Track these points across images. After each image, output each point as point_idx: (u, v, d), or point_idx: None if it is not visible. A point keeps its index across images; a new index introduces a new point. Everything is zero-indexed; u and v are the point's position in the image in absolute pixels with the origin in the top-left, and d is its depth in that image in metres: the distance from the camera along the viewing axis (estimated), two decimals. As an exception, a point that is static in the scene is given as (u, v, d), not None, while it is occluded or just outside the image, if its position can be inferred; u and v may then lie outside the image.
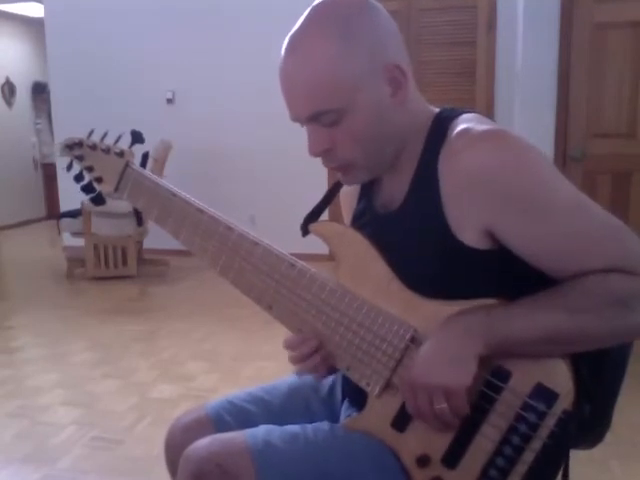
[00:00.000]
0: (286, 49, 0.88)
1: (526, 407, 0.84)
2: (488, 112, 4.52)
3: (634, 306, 0.81)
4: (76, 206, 4.66)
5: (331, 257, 0.97)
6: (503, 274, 0.88)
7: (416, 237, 0.91)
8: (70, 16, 5.63)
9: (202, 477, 0.91)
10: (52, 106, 5.94)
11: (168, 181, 1.12)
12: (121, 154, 1.14)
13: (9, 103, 7.88)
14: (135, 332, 3.61)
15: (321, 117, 0.88)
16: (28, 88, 8.18)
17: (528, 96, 3.68)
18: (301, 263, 0.98)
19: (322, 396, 1.14)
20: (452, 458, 0.88)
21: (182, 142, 5.19)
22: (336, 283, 0.95)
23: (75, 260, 4.99)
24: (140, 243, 5.05)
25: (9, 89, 7.85)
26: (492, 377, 0.85)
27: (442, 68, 4.73)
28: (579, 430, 0.86)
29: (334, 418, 1.08)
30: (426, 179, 0.90)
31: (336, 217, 1.04)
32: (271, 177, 5.35)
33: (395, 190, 0.96)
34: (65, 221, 4.90)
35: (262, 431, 0.97)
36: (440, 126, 0.91)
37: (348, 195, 1.11)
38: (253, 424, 1.01)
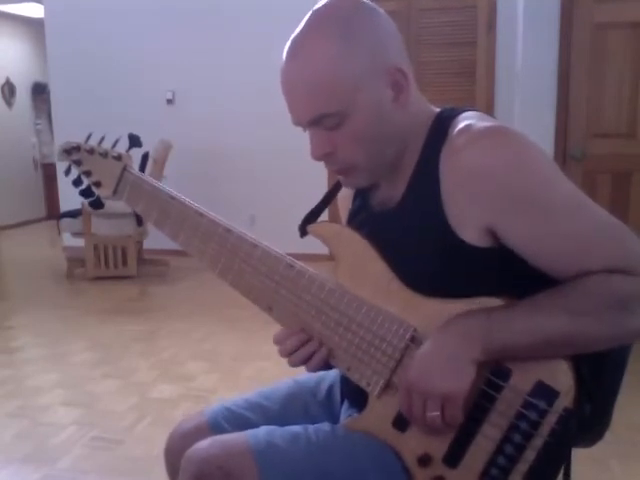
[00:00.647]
0: (287, 53, 0.88)
1: (527, 405, 0.84)
2: (488, 112, 4.47)
3: (634, 308, 0.81)
4: (76, 206, 4.66)
5: (331, 257, 0.97)
6: (503, 272, 0.88)
7: (415, 235, 0.90)
8: (70, 16, 5.63)
9: (203, 479, 0.91)
10: (52, 106, 5.94)
11: (168, 181, 1.13)
12: (119, 158, 1.14)
13: (9, 103, 7.88)
14: (135, 332, 3.61)
15: (323, 120, 0.88)
16: (28, 88, 8.19)
17: (528, 96, 3.68)
18: (300, 264, 0.98)
19: (320, 399, 1.14)
20: (453, 457, 0.88)
21: (182, 142, 5.19)
22: (335, 283, 0.95)
23: (75, 260, 5.00)
24: (140, 243, 5.05)
25: (9, 89, 7.86)
26: (492, 375, 0.85)
27: (442, 68, 4.73)
28: (579, 429, 0.86)
29: (334, 420, 1.08)
30: (426, 176, 0.90)
31: (335, 218, 1.04)
32: (271, 177, 5.35)
33: (393, 189, 0.96)
34: (65, 221, 4.90)
35: (263, 432, 0.97)
36: (441, 125, 0.91)
37: (345, 197, 1.11)
38: None
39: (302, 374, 1.18)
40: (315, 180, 4.42)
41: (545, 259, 0.84)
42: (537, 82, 3.64)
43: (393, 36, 0.90)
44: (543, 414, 0.83)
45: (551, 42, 3.56)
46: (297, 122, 0.91)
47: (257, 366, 3.00)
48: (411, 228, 0.91)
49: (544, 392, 0.84)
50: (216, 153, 5.44)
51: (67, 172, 1.20)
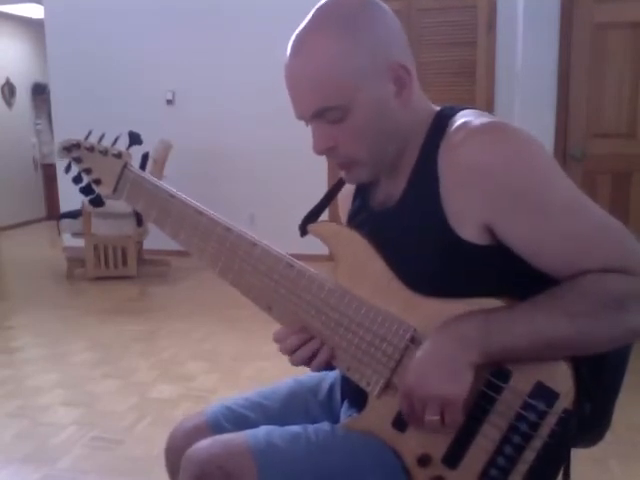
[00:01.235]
0: (291, 48, 0.89)
1: (526, 406, 0.84)
2: (488, 112, 4.50)
3: (631, 307, 0.80)
4: (76, 206, 4.66)
5: (331, 257, 0.97)
6: (503, 271, 0.88)
7: (415, 234, 0.90)
8: (70, 16, 5.63)
9: (204, 479, 0.91)
10: (52, 106, 5.94)
11: (168, 181, 1.12)
12: (119, 155, 1.14)
13: (9, 103, 7.88)
14: (135, 332, 3.61)
15: (325, 114, 0.88)
16: (28, 88, 8.18)
17: (528, 96, 3.68)
18: (300, 263, 0.98)
19: (321, 399, 1.14)
20: (453, 458, 0.88)
21: (182, 142, 5.19)
22: (335, 283, 0.95)
23: (75, 260, 4.99)
24: (140, 243, 5.05)
25: (9, 89, 7.85)
26: (492, 377, 0.85)
27: (442, 68, 4.73)
28: (579, 429, 0.86)
29: (334, 420, 1.07)
30: (425, 174, 0.90)
31: (336, 218, 1.04)
32: (271, 177, 5.35)
33: (392, 187, 0.96)
34: (65, 221, 4.90)
35: (263, 431, 0.97)
36: (440, 122, 0.91)
37: (345, 196, 1.11)
38: None
39: (303, 374, 1.18)
40: (315, 180, 4.42)
41: (542, 258, 0.84)
42: (537, 82, 3.63)
43: (397, 33, 0.90)
44: (543, 415, 0.83)
45: (551, 42, 3.56)
46: (300, 116, 0.92)
47: (257, 366, 3.00)
48: (411, 227, 0.91)
49: (544, 393, 0.83)
50: (216, 153, 5.44)
51: (67, 169, 1.20)
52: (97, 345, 3.41)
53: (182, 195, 1.08)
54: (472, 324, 0.83)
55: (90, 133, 1.19)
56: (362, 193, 1.05)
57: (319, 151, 0.92)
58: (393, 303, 0.91)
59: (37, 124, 8.37)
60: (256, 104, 5.15)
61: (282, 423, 1.02)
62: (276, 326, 1.02)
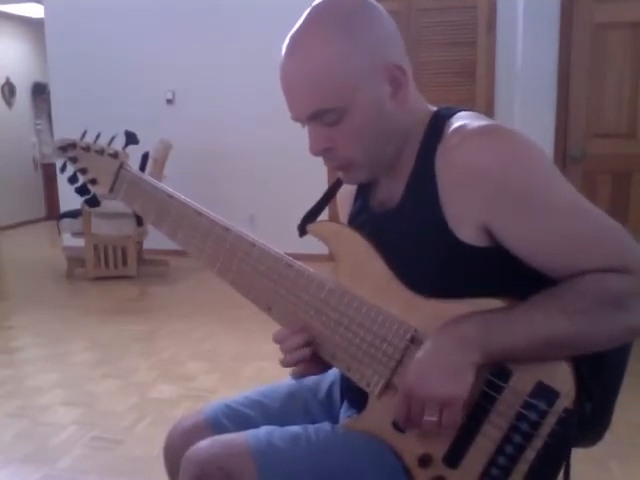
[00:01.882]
0: (286, 49, 0.88)
1: (527, 406, 0.84)
2: (488, 112, 4.51)
3: (630, 306, 0.80)
4: (76, 206, 4.66)
5: (330, 257, 0.97)
6: (502, 272, 0.88)
7: (414, 235, 0.90)
8: (70, 16, 5.63)
9: (204, 479, 0.91)
10: (52, 106, 5.94)
11: (168, 181, 1.12)
12: (115, 155, 1.14)
13: (9, 103, 7.88)
14: (135, 332, 3.61)
15: (321, 116, 0.88)
16: (28, 88, 8.18)
17: (528, 96, 3.68)
18: (299, 263, 0.98)
19: (320, 398, 1.14)
20: (454, 458, 0.88)
21: (182, 142, 5.19)
22: (335, 283, 0.95)
23: (75, 260, 4.99)
24: (140, 243, 5.05)
25: (9, 89, 7.85)
26: (493, 376, 0.85)
27: (442, 68, 4.73)
28: (579, 429, 0.86)
29: (333, 420, 1.07)
30: (423, 176, 0.90)
31: (335, 217, 1.04)
32: (271, 177, 5.35)
33: (392, 188, 0.96)
34: (65, 221, 4.90)
35: (263, 432, 0.97)
36: (437, 124, 0.91)
37: (345, 196, 1.11)
38: (252, 428, 1.00)
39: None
40: (315, 180, 4.41)
41: (541, 258, 0.84)
42: (537, 82, 3.63)
43: (393, 34, 0.90)
44: (543, 415, 0.83)
45: (551, 42, 3.56)
46: (296, 118, 0.92)
47: (257, 366, 3.00)
48: (410, 230, 0.91)
49: (544, 393, 0.83)
50: (216, 153, 5.44)
51: (62, 169, 1.20)
52: (97, 345, 3.41)
53: (180, 195, 1.08)
54: (472, 324, 0.83)
55: (85, 133, 1.19)
56: (363, 193, 1.05)
57: (315, 152, 0.92)
58: (393, 303, 0.90)
59: (37, 124, 8.37)
60: (256, 104, 5.15)
61: (282, 422, 1.02)
62: (276, 326, 1.02)
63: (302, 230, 0.99)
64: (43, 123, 8.30)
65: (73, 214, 4.85)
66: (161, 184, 1.10)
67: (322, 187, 1.09)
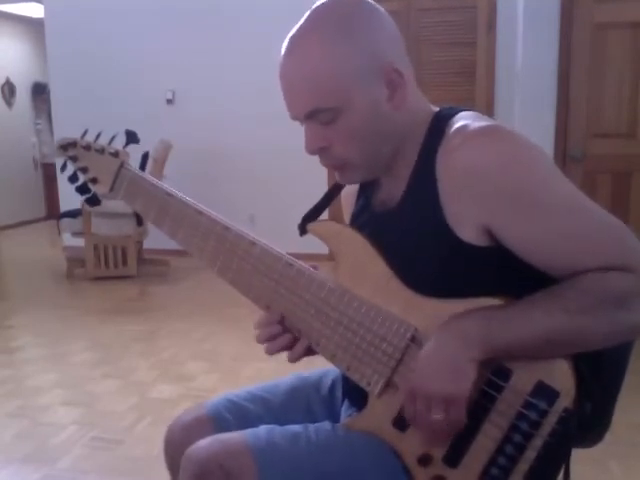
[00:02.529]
0: (286, 48, 0.89)
1: (527, 405, 0.84)
2: (488, 112, 4.51)
3: (631, 304, 0.81)
4: (76, 206, 4.66)
5: (330, 257, 0.97)
6: (503, 271, 0.88)
7: (415, 235, 0.91)
8: (70, 16, 5.63)
9: (204, 478, 0.91)
10: (52, 106, 5.94)
11: (168, 181, 1.12)
12: (116, 154, 1.14)
13: (9, 103, 7.88)
14: (135, 332, 3.61)
15: (318, 115, 0.88)
16: (28, 88, 8.18)
17: (528, 96, 3.68)
18: (299, 262, 0.98)
19: (323, 394, 1.14)
20: (454, 457, 0.88)
21: (182, 142, 5.19)
22: (335, 282, 0.95)
23: (75, 260, 4.99)
24: (140, 243, 5.05)
25: (9, 89, 7.85)
26: (493, 376, 0.85)
27: (442, 68, 4.73)
28: (580, 429, 0.86)
29: (335, 418, 1.08)
30: (424, 176, 0.90)
31: (335, 217, 1.04)
32: (271, 177, 5.35)
33: (393, 188, 0.96)
34: (65, 221, 4.90)
35: (263, 431, 0.97)
36: (438, 124, 0.91)
37: (348, 196, 1.12)
38: (253, 423, 1.01)
39: (305, 371, 1.19)
40: (315, 180, 4.41)
41: (542, 258, 0.84)
42: (537, 82, 3.64)
43: (392, 35, 0.90)
44: (543, 414, 0.83)
45: (551, 42, 3.56)
46: (294, 116, 0.92)
47: (257, 366, 2.99)
48: (411, 229, 0.91)
49: (544, 392, 0.83)
50: (216, 153, 5.44)
51: (63, 168, 1.20)
52: (97, 345, 3.41)
53: (181, 195, 1.08)
54: (473, 322, 0.83)
55: (86, 132, 1.19)
56: (365, 193, 1.05)
57: (311, 151, 0.92)
58: (394, 303, 0.90)
59: (37, 124, 8.37)
60: (256, 104, 5.15)
61: (283, 417, 1.02)
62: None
63: (303, 229, 0.99)
64: (43, 123, 8.30)
65: (73, 214, 4.85)
66: (162, 183, 1.10)
67: (322, 187, 1.09)
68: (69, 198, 5.20)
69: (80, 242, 4.89)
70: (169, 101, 5.54)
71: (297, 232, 1.02)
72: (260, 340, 0.98)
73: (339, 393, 1.13)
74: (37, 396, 2.72)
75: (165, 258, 5.01)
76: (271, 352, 0.98)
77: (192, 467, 0.92)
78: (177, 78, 5.47)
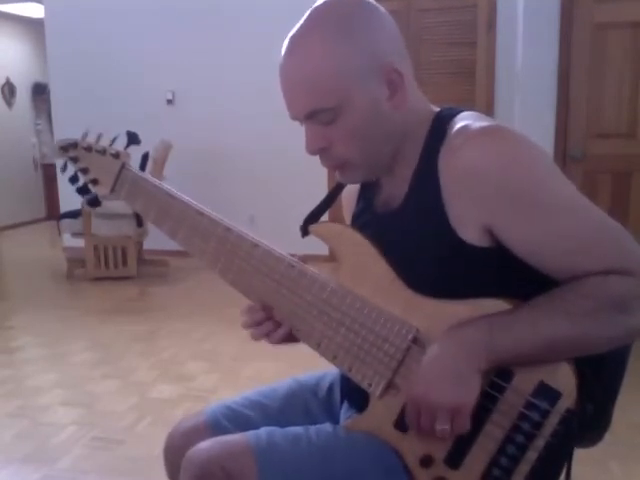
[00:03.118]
0: (286, 48, 0.89)
1: (529, 406, 0.84)
2: (488, 112, 4.51)
3: (631, 308, 0.81)
4: (76, 207, 4.66)
5: (331, 258, 0.97)
6: (503, 272, 0.88)
7: (417, 235, 0.90)
8: (70, 16, 5.63)
9: (205, 479, 0.91)
10: (52, 106, 5.94)
11: (168, 181, 1.12)
12: (117, 155, 1.13)
13: (9, 103, 7.87)
14: (135, 332, 3.61)
15: (318, 115, 0.88)
16: (28, 88, 8.18)
17: (528, 96, 3.68)
18: (301, 264, 0.98)
19: (321, 397, 1.14)
20: (455, 458, 0.88)
21: (182, 142, 5.19)
22: (337, 283, 0.95)
23: (75, 260, 4.99)
24: (140, 244, 5.04)
25: (9, 89, 7.85)
26: (495, 377, 0.85)
27: (442, 68, 4.73)
28: (580, 429, 0.86)
29: (334, 420, 1.08)
30: (427, 177, 0.90)
31: (336, 219, 1.04)
32: (271, 177, 5.34)
33: (395, 189, 0.96)
34: (65, 222, 4.90)
35: (264, 432, 0.97)
36: (440, 124, 0.91)
37: (349, 196, 1.12)
38: (252, 429, 1.00)
39: (302, 374, 1.18)
40: (315, 180, 4.41)
41: (542, 258, 0.84)
42: (537, 82, 3.64)
43: (392, 35, 0.90)
44: (545, 415, 0.83)
45: (551, 42, 3.56)
46: (294, 117, 0.92)
47: (257, 366, 2.99)
48: (413, 230, 0.91)
49: (546, 393, 0.83)
50: (216, 153, 5.44)
51: (63, 169, 1.20)
52: (97, 345, 3.41)
53: (182, 195, 1.08)
54: (476, 332, 0.83)
55: (87, 133, 1.19)
56: (366, 193, 1.05)
57: (311, 151, 0.92)
58: (395, 304, 0.90)
59: (37, 124, 8.37)
60: (256, 104, 5.14)
61: (282, 422, 1.02)
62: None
63: (304, 231, 0.99)
64: (43, 123, 8.29)
65: (73, 214, 4.84)
66: (163, 184, 1.10)
67: (322, 187, 1.09)
68: (69, 199, 5.20)
69: (80, 243, 4.88)
70: (169, 101, 5.54)
71: (297, 232, 1.02)
72: (245, 326, 1.00)
73: (337, 395, 1.13)
74: (37, 396, 2.71)
75: (165, 258, 5.01)
76: (256, 337, 1.00)
77: (193, 468, 0.92)
78: (177, 78, 5.47)
